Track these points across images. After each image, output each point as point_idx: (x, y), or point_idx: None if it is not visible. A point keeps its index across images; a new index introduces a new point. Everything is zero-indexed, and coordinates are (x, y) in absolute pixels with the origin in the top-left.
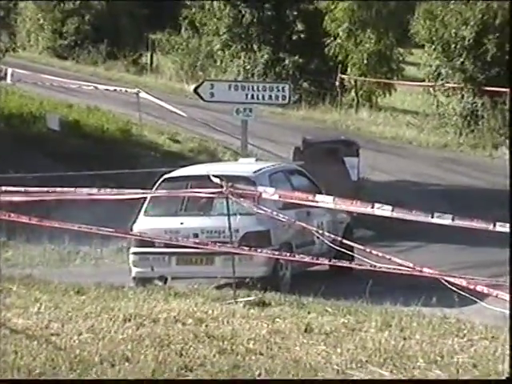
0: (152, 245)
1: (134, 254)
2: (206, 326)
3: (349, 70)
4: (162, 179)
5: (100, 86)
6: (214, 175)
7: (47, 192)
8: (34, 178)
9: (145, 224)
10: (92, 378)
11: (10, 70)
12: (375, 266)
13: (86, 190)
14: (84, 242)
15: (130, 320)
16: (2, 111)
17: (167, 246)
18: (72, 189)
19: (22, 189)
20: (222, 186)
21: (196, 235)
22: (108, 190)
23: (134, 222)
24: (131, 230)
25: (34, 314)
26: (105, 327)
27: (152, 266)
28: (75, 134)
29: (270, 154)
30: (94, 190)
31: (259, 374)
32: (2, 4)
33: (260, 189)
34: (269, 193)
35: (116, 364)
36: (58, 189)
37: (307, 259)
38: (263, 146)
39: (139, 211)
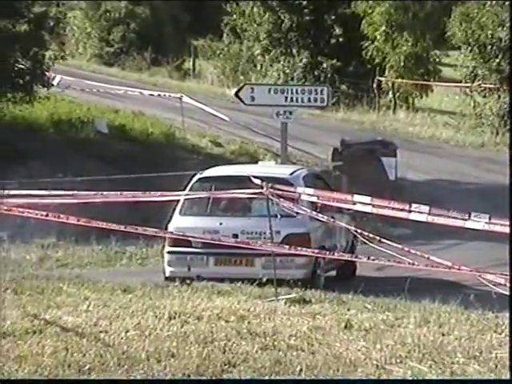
0: (189, 244)
1: (170, 253)
2: (249, 322)
3: (386, 72)
4: (196, 179)
5: (145, 92)
6: (254, 176)
7: (94, 195)
8: (82, 180)
9: (181, 223)
10: (140, 374)
11: (59, 77)
12: (413, 264)
13: (130, 194)
14: (130, 242)
15: (174, 317)
16: (52, 117)
17: (205, 246)
18: (118, 192)
19: (71, 192)
20: (262, 187)
21: (236, 236)
22: (152, 193)
23: (169, 221)
24: (166, 229)
25: (83, 312)
26: (151, 324)
27: (189, 265)
28: (121, 138)
29: (309, 156)
30: (139, 194)
31: (300, 370)
32: (51, 14)
33: (299, 190)
34: (308, 194)
35: (162, 360)
36: (105, 192)
37: (347, 257)
38: (302, 148)
39: (173, 210)
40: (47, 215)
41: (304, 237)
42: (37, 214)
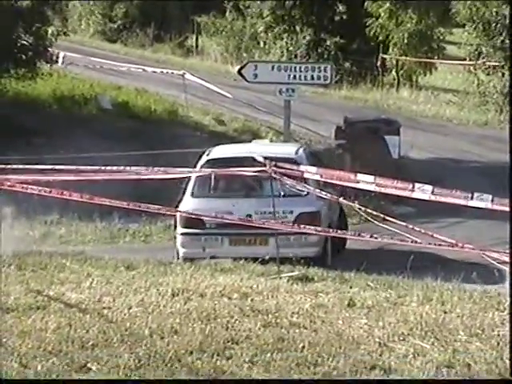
0: (203, 225)
1: (184, 234)
2: (251, 300)
3: (390, 49)
4: (205, 160)
5: (147, 69)
6: (264, 157)
7: (97, 171)
8: (84, 157)
9: (193, 205)
10: (143, 350)
11: (62, 54)
12: (417, 242)
13: (134, 169)
14: (133, 219)
15: (177, 294)
16: (55, 93)
17: (219, 226)
18: (121, 167)
19: (74, 167)
20: (265, 165)
21: (249, 216)
22: (155, 169)
23: (179, 202)
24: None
25: (86, 288)
26: (154, 301)
27: (204, 246)
28: (124, 114)
29: (312, 134)
30: (143, 169)
31: (303, 347)
32: None
33: (302, 168)
34: (311, 172)
35: (165, 337)
36: (108, 167)
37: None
38: (305, 126)
39: (184, 192)
40: (50, 191)
41: (315, 215)
42: (40, 191)
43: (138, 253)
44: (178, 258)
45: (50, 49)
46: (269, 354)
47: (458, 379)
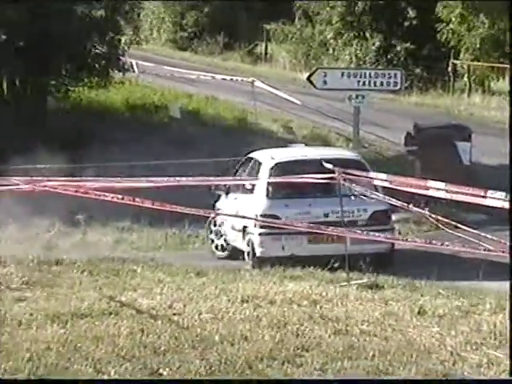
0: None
1: (262, 234)
2: (321, 307)
3: (461, 54)
4: (273, 163)
5: (217, 76)
6: (325, 160)
7: (168, 179)
8: (155, 164)
9: (269, 206)
10: (214, 356)
11: (134, 62)
12: (489, 250)
13: (203, 178)
14: (203, 225)
15: (247, 301)
16: (127, 101)
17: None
18: (189, 177)
19: (144, 179)
20: (333, 172)
21: (326, 215)
22: (225, 178)
23: (256, 205)
24: (255, 214)
25: (157, 294)
26: (224, 308)
27: (283, 245)
28: (194, 122)
29: (381, 140)
30: (211, 178)
31: (373, 355)
32: (127, 0)
33: (372, 174)
34: (381, 178)
35: (235, 343)
36: (178, 177)
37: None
38: (375, 132)
39: (258, 194)
40: (123, 198)
41: (387, 213)
42: (113, 198)
43: (207, 259)
44: (251, 258)
45: (122, 58)
46: (339, 362)
47: (458, 379)
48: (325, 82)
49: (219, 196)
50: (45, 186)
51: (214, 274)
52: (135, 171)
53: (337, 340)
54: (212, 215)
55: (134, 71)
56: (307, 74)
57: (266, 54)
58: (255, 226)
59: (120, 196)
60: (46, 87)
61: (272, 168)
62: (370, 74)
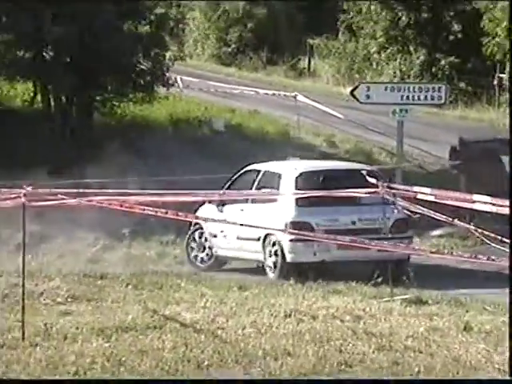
0: (313, 231)
1: (293, 241)
2: (364, 323)
3: (507, 68)
4: (298, 173)
5: (260, 91)
6: (368, 174)
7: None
8: (198, 179)
9: (299, 213)
10: (257, 372)
11: (178, 78)
12: None
13: (246, 191)
14: None
15: (290, 316)
16: (171, 116)
17: (327, 232)
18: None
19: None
20: (377, 186)
21: (354, 223)
22: (267, 191)
23: (284, 212)
24: (285, 221)
25: (200, 308)
26: (267, 322)
27: (315, 251)
28: (237, 136)
29: (425, 154)
30: (252, 192)
31: (418, 372)
32: (172, 15)
33: (416, 189)
34: (425, 192)
35: (278, 358)
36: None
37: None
38: (419, 146)
39: (284, 203)
40: (166, 213)
41: (407, 221)
42: (157, 212)
43: (250, 273)
44: (279, 267)
45: (166, 73)
46: (384, 378)
47: (458, 379)
48: (368, 96)
49: (199, 207)
50: (90, 201)
51: (257, 288)
52: (178, 185)
53: (381, 356)
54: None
55: (177, 86)
56: (350, 88)
57: (309, 68)
58: (284, 233)
59: (164, 210)
60: (92, 103)
61: (297, 178)
62: (413, 88)
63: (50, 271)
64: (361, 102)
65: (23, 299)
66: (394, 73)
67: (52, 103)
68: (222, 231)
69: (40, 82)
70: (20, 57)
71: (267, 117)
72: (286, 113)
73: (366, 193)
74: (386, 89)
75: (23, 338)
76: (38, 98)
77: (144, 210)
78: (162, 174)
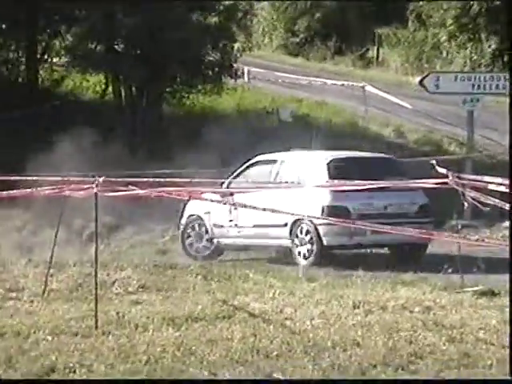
0: (349, 215)
1: (331, 224)
2: (434, 314)
3: None
4: (328, 160)
5: (328, 81)
6: (437, 164)
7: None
8: None
9: (337, 198)
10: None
11: (246, 69)
12: None
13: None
14: None
15: (358, 307)
16: (239, 107)
17: (362, 216)
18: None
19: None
20: (447, 176)
21: (386, 208)
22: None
23: (319, 197)
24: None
25: (269, 299)
26: (335, 313)
27: (351, 235)
28: (304, 127)
29: (495, 144)
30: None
31: (491, 364)
32: (240, 6)
33: (486, 178)
34: (496, 182)
35: (347, 349)
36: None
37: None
38: (489, 136)
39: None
40: (234, 203)
41: (429, 206)
42: (225, 203)
43: (317, 264)
44: (324, 247)
45: (234, 64)
46: (455, 370)
47: (458, 379)
48: (437, 86)
49: (187, 202)
50: (160, 192)
51: (325, 279)
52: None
53: (451, 348)
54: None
55: (245, 77)
56: (419, 77)
57: (377, 58)
58: (322, 216)
59: (231, 200)
60: (162, 94)
61: (329, 165)
62: (484, 77)
63: (121, 261)
64: (430, 92)
65: (96, 289)
66: (465, 62)
67: (123, 95)
68: (230, 220)
69: (111, 74)
70: (92, 49)
71: (335, 107)
72: (353, 103)
73: (435, 183)
74: (455, 78)
75: (96, 327)
76: (110, 89)
77: (211, 200)
78: (230, 165)
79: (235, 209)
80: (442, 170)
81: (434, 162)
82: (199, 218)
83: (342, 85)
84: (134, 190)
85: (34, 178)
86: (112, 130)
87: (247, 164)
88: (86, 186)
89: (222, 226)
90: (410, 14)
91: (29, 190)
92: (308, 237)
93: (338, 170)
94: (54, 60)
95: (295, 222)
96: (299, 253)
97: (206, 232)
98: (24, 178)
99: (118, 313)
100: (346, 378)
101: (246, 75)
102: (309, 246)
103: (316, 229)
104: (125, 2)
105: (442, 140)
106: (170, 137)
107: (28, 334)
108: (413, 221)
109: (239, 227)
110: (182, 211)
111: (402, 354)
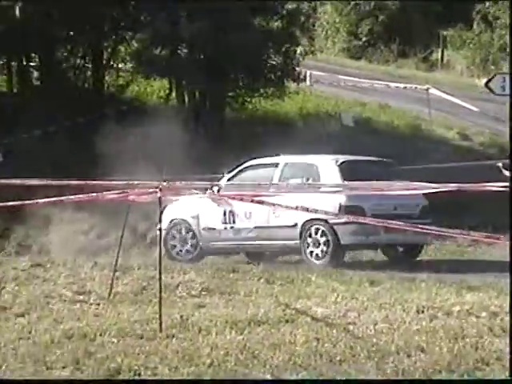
0: (364, 215)
1: (349, 223)
2: (501, 319)
3: None
4: (339, 162)
5: (391, 84)
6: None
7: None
8: None
9: (352, 198)
10: (390, 368)
11: (308, 72)
12: None
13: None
14: None
15: (423, 311)
16: (301, 111)
17: (376, 216)
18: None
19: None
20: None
21: (395, 208)
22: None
23: (334, 198)
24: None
25: (331, 303)
26: (399, 318)
27: (368, 234)
28: (367, 131)
29: None
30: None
31: None
32: (303, 10)
33: None
34: None
35: (412, 354)
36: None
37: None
38: None
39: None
40: (297, 208)
41: (428, 207)
42: (287, 207)
43: (380, 268)
44: (341, 246)
45: (297, 68)
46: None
47: (458, 379)
48: (503, 88)
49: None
50: (222, 195)
51: (389, 283)
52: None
53: None
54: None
55: (307, 81)
56: (485, 79)
57: (442, 60)
58: (338, 216)
59: (294, 205)
60: (224, 98)
61: (340, 167)
62: None
63: (184, 264)
64: (496, 94)
65: (160, 292)
66: None
67: (186, 99)
68: (225, 222)
69: (175, 78)
70: (156, 55)
71: (398, 110)
72: (417, 106)
73: (498, 186)
74: None
75: (160, 330)
76: (173, 94)
77: (274, 205)
78: None
79: (230, 211)
80: (507, 173)
81: (500, 164)
82: (184, 221)
83: (405, 87)
84: (196, 193)
85: (100, 182)
86: (175, 135)
87: (240, 168)
88: (150, 191)
89: (213, 229)
90: (476, 15)
91: (94, 194)
92: (324, 238)
93: (349, 172)
94: (120, 66)
95: (306, 222)
96: (311, 253)
97: (194, 236)
98: (90, 182)
99: (181, 316)
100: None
101: (308, 79)
102: (323, 247)
103: (332, 228)
104: (188, 8)
105: (508, 143)
106: (231, 141)
107: (94, 337)
108: (417, 222)
109: (236, 229)
110: (161, 215)
111: (468, 361)
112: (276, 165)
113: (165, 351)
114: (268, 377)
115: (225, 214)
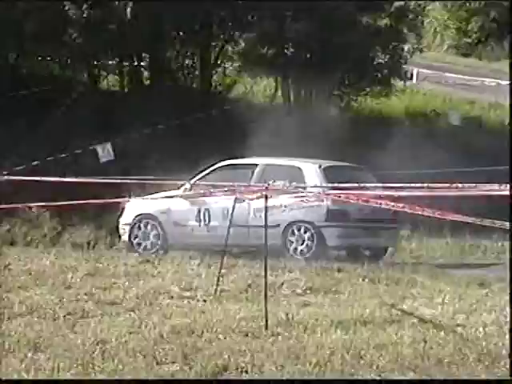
0: (349, 219)
1: (335, 226)
2: None
3: None
4: (323, 167)
5: (502, 82)
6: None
7: (448, 187)
8: (435, 173)
9: (338, 202)
10: (501, 372)
11: (415, 70)
12: None
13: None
14: (485, 235)
15: None
16: (407, 109)
17: (356, 220)
18: (472, 184)
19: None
20: None
21: (373, 212)
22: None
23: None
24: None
25: (438, 304)
26: (510, 321)
27: (353, 236)
28: (475, 130)
29: None
30: (495, 186)
31: None
32: (411, 7)
33: None
34: None
35: None
36: (460, 184)
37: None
38: None
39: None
40: (403, 207)
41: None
42: (394, 206)
43: (489, 270)
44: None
45: (404, 66)
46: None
47: (458, 379)
48: None
49: (122, 211)
50: (328, 194)
51: (498, 285)
52: (415, 179)
53: None
54: None
55: (414, 79)
56: None
57: None
58: (325, 220)
59: (401, 205)
60: (330, 97)
61: (324, 171)
62: None
63: (288, 263)
64: None
65: (265, 290)
66: None
67: (291, 98)
68: (199, 220)
69: (281, 77)
70: (263, 54)
71: (509, 109)
72: None
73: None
74: None
75: (266, 328)
76: (279, 93)
77: (379, 203)
78: (400, 167)
79: (205, 208)
80: None
81: None
82: (151, 216)
83: None
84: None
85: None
86: (281, 134)
87: (213, 167)
88: (256, 189)
89: (184, 226)
90: None
91: (202, 191)
92: (307, 234)
93: (332, 176)
94: (227, 65)
95: (290, 223)
96: (295, 250)
97: (162, 231)
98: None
99: (286, 314)
100: None
101: (415, 77)
102: (308, 243)
103: (319, 230)
104: (294, 7)
105: None
106: (336, 140)
107: (202, 333)
108: (388, 226)
109: (210, 227)
110: (122, 211)
111: None
112: (254, 165)
113: (271, 349)
114: (376, 377)
115: (199, 210)
